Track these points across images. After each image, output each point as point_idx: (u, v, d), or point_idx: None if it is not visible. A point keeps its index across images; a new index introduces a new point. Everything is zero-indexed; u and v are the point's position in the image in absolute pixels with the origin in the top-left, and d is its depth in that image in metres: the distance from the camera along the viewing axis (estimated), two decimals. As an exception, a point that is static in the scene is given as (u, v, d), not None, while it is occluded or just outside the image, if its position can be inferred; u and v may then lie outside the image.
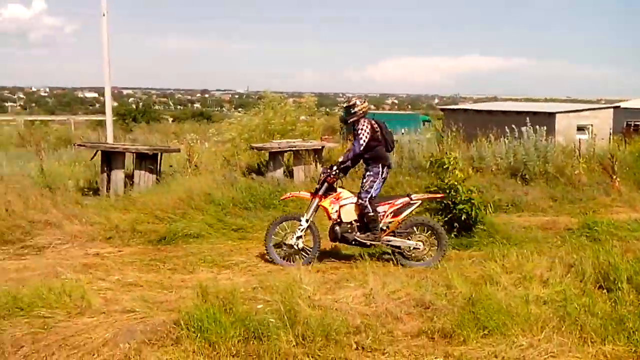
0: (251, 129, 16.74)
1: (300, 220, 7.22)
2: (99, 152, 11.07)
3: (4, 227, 8.48)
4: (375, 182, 7.19)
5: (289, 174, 11.94)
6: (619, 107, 30.14)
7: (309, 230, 7.22)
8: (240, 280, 6.33)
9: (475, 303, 4.91)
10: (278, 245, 7.27)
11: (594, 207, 10.50)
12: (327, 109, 48.38)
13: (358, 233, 7.20)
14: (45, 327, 4.54)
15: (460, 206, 7.97)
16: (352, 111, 7.39)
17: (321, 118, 20.24)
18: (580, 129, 23.80)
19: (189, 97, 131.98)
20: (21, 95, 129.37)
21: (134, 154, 11.10)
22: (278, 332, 4.36)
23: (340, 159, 7.35)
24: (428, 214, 8.18)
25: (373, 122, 7.39)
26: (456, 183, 8.08)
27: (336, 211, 7.23)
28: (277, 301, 4.94)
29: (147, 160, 11.04)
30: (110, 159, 10.87)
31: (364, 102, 7.48)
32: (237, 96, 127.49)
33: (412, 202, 7.31)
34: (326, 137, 20.28)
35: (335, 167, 7.27)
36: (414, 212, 7.40)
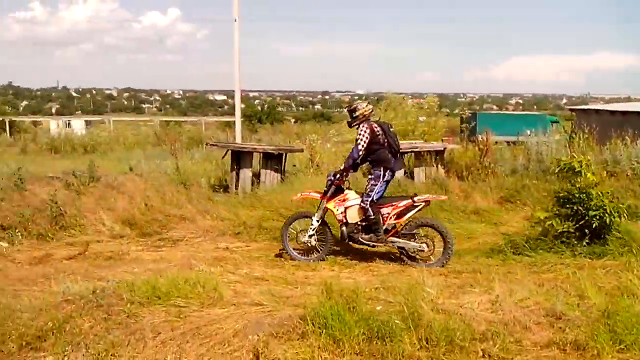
0: (372, 129, 16.75)
1: (312, 219, 7.49)
2: (229, 152, 11.60)
3: (143, 221, 9.16)
4: (376, 185, 7.27)
5: (410, 175, 11.83)
6: None
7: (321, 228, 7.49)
8: (362, 280, 6.36)
9: (611, 315, 4.60)
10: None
11: None
12: (448, 110, 47.32)
13: (362, 234, 7.35)
14: (181, 315, 4.83)
15: (592, 212, 7.44)
16: (354, 115, 7.49)
17: (443, 119, 19.90)
18: None
19: (310, 99, 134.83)
20: (157, 98, 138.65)
21: (261, 154, 11.51)
22: (401, 333, 4.34)
23: (343, 166, 7.43)
24: (558, 220, 7.75)
25: (375, 125, 7.40)
26: (588, 187, 7.57)
27: (341, 212, 7.40)
28: (399, 303, 4.92)
29: (273, 160, 11.41)
30: (239, 158, 11.35)
31: (366, 105, 7.54)
32: (356, 97, 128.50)
33: (415, 204, 7.31)
34: (447, 137, 19.90)
35: (338, 175, 7.41)
36: (417, 214, 7.37)
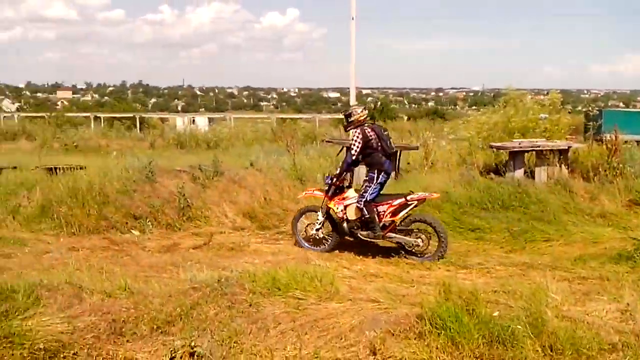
0: (490, 127, 16.23)
1: (318, 213, 8.06)
2: (344, 149, 11.69)
3: (262, 214, 9.50)
4: (370, 187, 7.66)
5: (530, 174, 11.33)
6: None
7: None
8: (479, 282, 6.20)
9: None
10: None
11: None
12: (571, 107, 44.73)
13: (361, 231, 7.77)
14: (299, 307, 4.95)
15: None
16: (349, 120, 7.92)
17: (567, 116, 18.84)
18: None
19: (424, 96, 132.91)
20: (274, 95, 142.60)
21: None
22: (524, 339, 4.18)
23: (337, 171, 7.99)
24: None
25: (368, 130, 7.73)
26: None
27: (341, 210, 7.90)
28: (520, 307, 4.75)
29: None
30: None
31: (361, 111, 7.93)
32: (471, 94, 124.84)
33: (408, 202, 7.67)
34: (572, 136, 18.80)
35: (335, 179, 7.93)
36: (411, 212, 7.73)
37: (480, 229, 8.84)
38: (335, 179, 7.91)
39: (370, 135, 7.69)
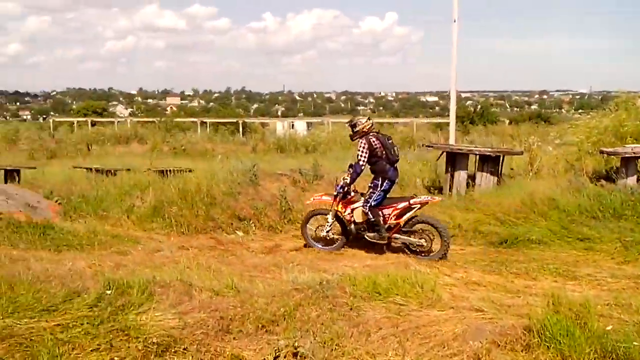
0: (600, 131, 15.35)
1: (328, 216, 8.52)
2: (444, 153, 11.52)
3: (361, 218, 9.50)
4: (374, 193, 8.13)
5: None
6: None
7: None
8: (590, 294, 5.88)
9: None
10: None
11: None
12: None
13: (368, 232, 8.24)
14: (400, 313, 4.91)
15: None
16: (355, 130, 8.35)
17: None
18: None
19: (526, 99, 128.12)
20: (371, 100, 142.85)
21: (477, 156, 11.25)
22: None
23: (348, 181, 8.26)
24: None
25: (373, 139, 8.15)
26: None
27: (348, 214, 8.40)
28: (636, 322, 4.47)
29: (490, 162, 11.08)
30: (455, 159, 11.22)
31: (366, 122, 8.34)
32: (577, 97, 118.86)
33: (411, 206, 8.13)
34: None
35: (345, 187, 8.31)
36: (414, 214, 8.15)
37: (590, 239, 8.40)
38: (346, 187, 8.30)
39: (376, 145, 8.11)
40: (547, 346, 4.09)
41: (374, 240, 8.21)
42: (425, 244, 8.01)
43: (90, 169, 15.04)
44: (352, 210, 8.35)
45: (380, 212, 8.15)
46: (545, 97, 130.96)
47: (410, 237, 8.11)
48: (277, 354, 4.17)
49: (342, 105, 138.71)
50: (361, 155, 8.12)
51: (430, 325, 4.67)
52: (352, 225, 8.39)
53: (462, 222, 9.13)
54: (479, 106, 51.74)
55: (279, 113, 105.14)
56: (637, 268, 7.22)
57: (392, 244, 8.29)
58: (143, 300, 4.88)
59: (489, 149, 11.64)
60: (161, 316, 4.65)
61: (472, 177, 11.21)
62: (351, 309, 4.93)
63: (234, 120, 46.01)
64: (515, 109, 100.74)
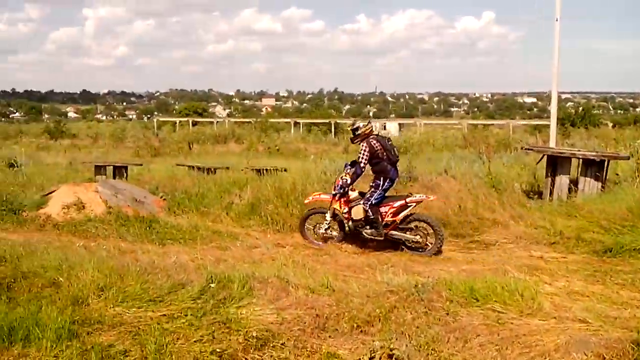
0: None
1: (326, 215, 8.87)
2: (545, 157, 11.08)
3: (456, 222, 9.35)
4: (375, 192, 8.49)
5: None
6: None
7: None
8: None
9: None
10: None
11: None
12: None
13: (366, 229, 8.56)
14: (499, 321, 4.78)
15: None
16: (356, 133, 8.67)
17: None
18: None
19: (631, 101, 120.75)
20: (465, 101, 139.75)
21: (580, 160, 10.74)
22: None
23: (349, 181, 8.59)
24: None
25: (374, 141, 8.49)
26: None
27: (346, 212, 8.71)
28: None
29: (593, 167, 10.54)
30: (556, 163, 10.77)
31: (367, 125, 8.73)
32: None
33: (408, 204, 8.46)
34: None
35: (346, 189, 8.64)
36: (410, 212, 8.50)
37: None
38: (346, 187, 8.64)
39: (376, 147, 8.44)
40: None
41: (371, 237, 8.55)
42: (420, 240, 8.38)
43: (192, 167, 15.73)
44: (351, 208, 8.65)
45: (378, 210, 8.47)
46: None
47: (406, 233, 8.47)
48: (372, 354, 4.19)
49: (435, 106, 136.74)
50: (362, 158, 8.45)
51: (530, 334, 4.53)
52: (350, 223, 8.69)
53: (563, 228, 8.74)
54: (581, 108, 49.30)
55: (371, 114, 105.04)
56: None
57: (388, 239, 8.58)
58: (243, 295, 5.07)
59: (594, 153, 11.07)
60: (260, 311, 4.82)
61: (574, 182, 10.71)
62: (447, 313, 4.86)
63: (327, 121, 46.45)
64: (619, 111, 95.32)
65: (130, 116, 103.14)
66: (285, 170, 13.36)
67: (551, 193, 10.70)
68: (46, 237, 8.59)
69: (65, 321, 4.43)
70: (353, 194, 8.75)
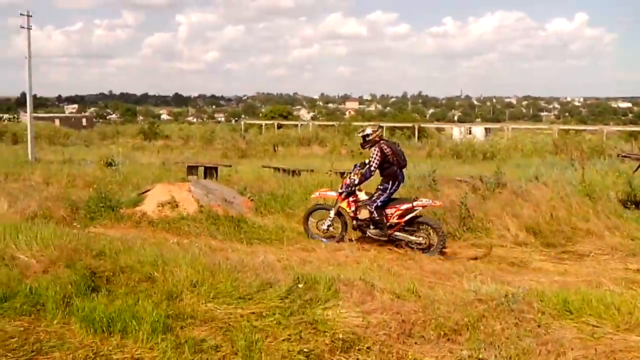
0: None
1: (330, 212, 9.17)
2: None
3: (547, 231, 9.04)
4: (382, 195, 8.76)
5: None
6: None
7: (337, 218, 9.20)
8: None
9: None
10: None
11: None
12: None
13: (371, 229, 8.85)
14: (594, 335, 4.58)
15: None
16: (367, 139, 8.90)
17: None
18: None
19: None
20: (556, 105, 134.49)
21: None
22: None
23: (356, 182, 8.94)
24: None
25: (384, 146, 8.78)
26: None
27: (352, 211, 8.99)
28: None
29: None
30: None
31: (376, 130, 9.00)
32: None
33: (414, 208, 8.73)
34: None
35: (352, 188, 8.97)
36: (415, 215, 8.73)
37: None
38: (353, 187, 8.94)
39: (387, 152, 8.71)
40: None
41: (376, 237, 8.82)
42: (423, 241, 8.65)
43: (278, 169, 16.05)
44: (357, 208, 8.95)
45: (384, 212, 8.75)
46: None
47: (410, 235, 8.74)
48: (459, 364, 4.13)
49: (524, 110, 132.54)
50: (373, 162, 8.73)
51: (628, 350, 4.31)
52: (355, 222, 9.02)
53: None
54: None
55: (456, 118, 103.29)
56: None
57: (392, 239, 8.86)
58: (329, 297, 5.11)
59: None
60: (346, 313, 4.84)
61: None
62: (539, 325, 4.70)
63: (410, 124, 46.10)
64: None
65: (219, 119, 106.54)
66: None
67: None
68: (142, 234, 9.02)
69: (160, 315, 4.63)
70: (362, 195, 9.00)
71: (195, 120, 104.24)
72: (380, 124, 47.28)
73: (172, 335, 4.43)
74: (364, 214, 8.88)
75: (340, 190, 9.14)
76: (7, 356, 4.10)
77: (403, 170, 9.00)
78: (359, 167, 9.10)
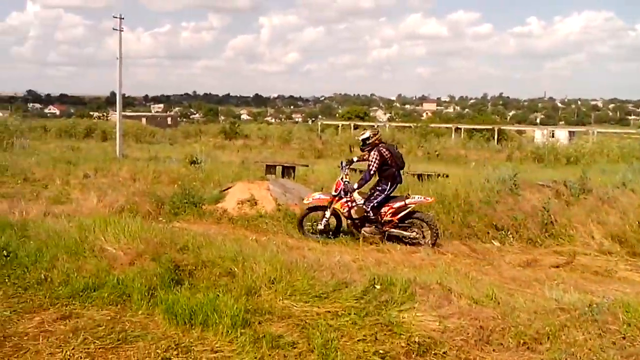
0: None
1: (325, 213, 9.34)
2: None
3: (634, 239, 8.73)
4: (380, 196, 9.06)
5: None
6: None
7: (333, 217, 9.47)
8: None
9: None
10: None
11: None
12: None
13: (365, 227, 9.13)
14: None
15: None
16: (367, 142, 9.21)
17: None
18: None
19: None
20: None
21: None
22: None
23: (355, 186, 9.16)
24: None
25: (383, 149, 9.06)
26: None
27: (346, 211, 9.23)
28: None
29: None
30: None
31: (376, 132, 9.36)
32: None
33: (407, 205, 9.01)
34: None
35: (353, 194, 9.14)
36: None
37: None
38: (354, 191, 9.12)
39: (386, 155, 8.99)
40: None
41: (370, 234, 9.07)
42: (416, 236, 9.00)
43: (354, 170, 16.04)
44: (350, 208, 9.15)
45: (379, 211, 9.05)
46: None
47: (404, 231, 9.06)
48: (543, 374, 4.01)
49: (610, 113, 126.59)
50: (373, 165, 8.99)
51: None
52: (349, 221, 9.31)
53: None
54: None
55: (538, 120, 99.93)
56: None
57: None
58: (405, 299, 5.09)
59: None
60: (422, 317, 4.81)
61: None
62: (624, 337, 4.51)
63: (489, 127, 45.04)
64: None
65: (297, 119, 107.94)
66: (446, 176, 13.18)
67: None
68: (222, 230, 9.29)
69: (240, 309, 4.74)
70: (356, 196, 9.20)
71: (273, 120, 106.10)
72: (458, 126, 46.47)
73: (250, 330, 4.52)
74: (357, 213, 9.12)
75: (334, 193, 9.33)
76: (95, 343, 4.30)
77: (400, 171, 9.29)
78: (346, 165, 9.45)
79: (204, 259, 6.05)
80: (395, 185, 9.18)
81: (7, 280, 5.52)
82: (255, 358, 4.16)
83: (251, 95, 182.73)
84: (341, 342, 4.40)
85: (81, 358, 4.08)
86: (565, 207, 9.67)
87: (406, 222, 9.11)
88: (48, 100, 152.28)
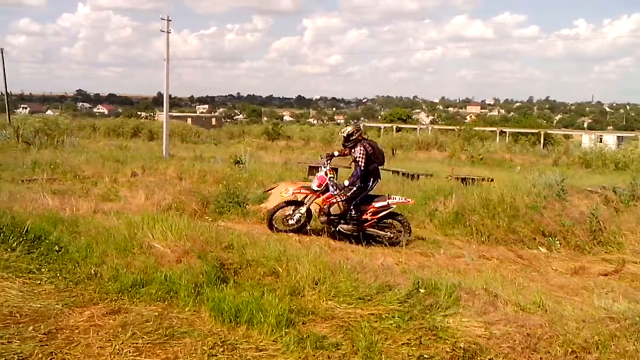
0: None
1: (301, 207, 9.31)
2: None
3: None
4: (362, 193, 9.01)
5: None
6: None
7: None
8: None
9: None
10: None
11: None
12: None
13: (343, 225, 9.10)
14: None
15: None
16: (351, 138, 9.04)
17: None
18: None
19: None
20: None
21: None
22: None
23: (347, 183, 9.05)
24: None
25: (366, 144, 8.99)
26: None
27: (326, 207, 9.11)
28: None
29: None
30: None
31: (359, 128, 9.30)
32: None
33: (389, 205, 9.12)
34: None
35: (345, 192, 9.00)
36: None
37: None
38: (345, 188, 9.01)
39: (370, 150, 8.91)
40: None
41: (347, 232, 9.09)
42: (392, 235, 9.10)
43: (396, 172, 16.00)
44: (330, 205, 9.07)
45: (359, 208, 9.03)
46: None
47: (380, 230, 9.16)
48: (591, 383, 3.92)
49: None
50: (362, 160, 8.86)
51: None
52: (326, 217, 9.15)
53: None
54: None
55: (585, 125, 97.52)
56: None
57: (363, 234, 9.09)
58: (450, 304, 5.04)
59: None
60: (467, 322, 4.75)
61: None
62: (678, 349, 4.37)
63: (535, 130, 44.23)
64: None
65: (339, 121, 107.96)
66: (491, 180, 13.00)
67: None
68: (266, 230, 9.36)
69: (284, 309, 4.77)
70: (336, 191, 9.12)
71: (315, 122, 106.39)
72: (503, 129, 45.71)
73: (294, 330, 4.55)
74: (337, 210, 9.08)
75: (316, 188, 9.29)
76: (143, 338, 4.38)
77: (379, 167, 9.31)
78: (327, 159, 9.49)
79: (248, 258, 6.11)
80: (376, 181, 9.19)
81: (58, 274, 5.67)
82: (300, 358, 4.17)
83: (294, 97, 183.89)
84: (385, 344, 4.39)
85: (130, 352, 4.15)
86: (615, 214, 9.43)
87: (383, 222, 9.20)
88: (97, 100, 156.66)
